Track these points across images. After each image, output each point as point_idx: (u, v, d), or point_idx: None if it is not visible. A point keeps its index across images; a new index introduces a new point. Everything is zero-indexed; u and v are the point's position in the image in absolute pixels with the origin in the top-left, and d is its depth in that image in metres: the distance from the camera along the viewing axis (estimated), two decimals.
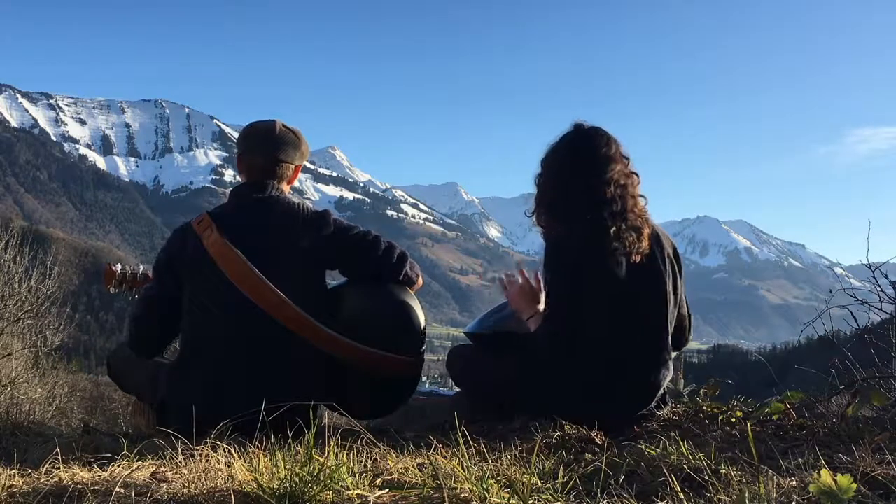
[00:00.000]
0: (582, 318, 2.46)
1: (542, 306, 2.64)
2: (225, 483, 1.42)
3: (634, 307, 2.50)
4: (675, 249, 2.68)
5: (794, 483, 1.38)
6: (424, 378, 3.17)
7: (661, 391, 2.57)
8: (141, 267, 3.19)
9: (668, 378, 2.58)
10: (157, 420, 2.49)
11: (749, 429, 1.81)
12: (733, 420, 2.37)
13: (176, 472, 1.53)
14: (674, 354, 2.70)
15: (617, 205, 2.49)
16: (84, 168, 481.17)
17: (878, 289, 2.62)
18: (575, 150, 2.59)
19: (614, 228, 2.45)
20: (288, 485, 1.35)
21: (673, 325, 2.60)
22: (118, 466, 1.59)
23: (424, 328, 2.65)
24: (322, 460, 1.43)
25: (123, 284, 3.12)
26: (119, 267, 3.14)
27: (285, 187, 2.64)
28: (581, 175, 2.54)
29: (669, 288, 2.56)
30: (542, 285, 2.69)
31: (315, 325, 2.43)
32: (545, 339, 2.49)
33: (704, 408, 2.56)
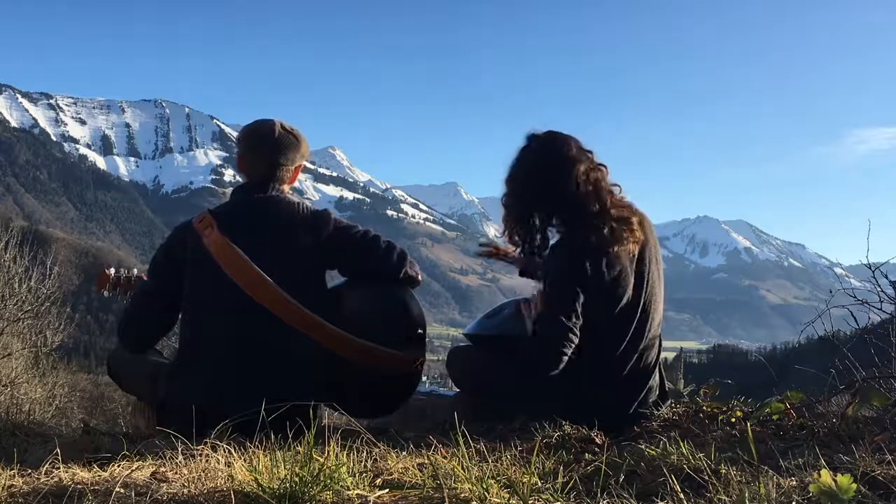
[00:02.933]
0: (585, 321, 2.46)
1: None
2: (225, 483, 1.42)
3: (634, 306, 2.50)
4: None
5: (794, 483, 1.38)
6: (424, 378, 3.17)
7: (657, 389, 2.57)
8: (135, 270, 3.19)
9: (664, 375, 2.58)
10: (157, 420, 2.49)
11: (749, 429, 1.81)
12: (733, 420, 2.37)
13: (176, 472, 1.53)
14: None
15: (593, 205, 2.46)
16: (84, 168, 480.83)
17: (878, 289, 2.62)
18: (534, 160, 2.55)
19: (596, 227, 2.43)
20: (288, 485, 1.35)
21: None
22: (118, 466, 1.59)
23: (425, 327, 2.65)
24: (322, 460, 1.43)
25: (118, 288, 3.12)
26: (113, 270, 3.14)
27: (285, 188, 2.64)
28: (547, 185, 2.50)
29: (662, 291, 2.56)
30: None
31: (318, 321, 2.43)
32: (548, 342, 2.42)
33: (704, 408, 2.56)
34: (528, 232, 2.57)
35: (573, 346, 2.40)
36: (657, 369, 2.58)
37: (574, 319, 2.39)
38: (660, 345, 2.60)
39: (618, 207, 2.50)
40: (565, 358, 2.39)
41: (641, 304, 2.50)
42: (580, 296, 2.41)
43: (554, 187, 2.50)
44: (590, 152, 2.56)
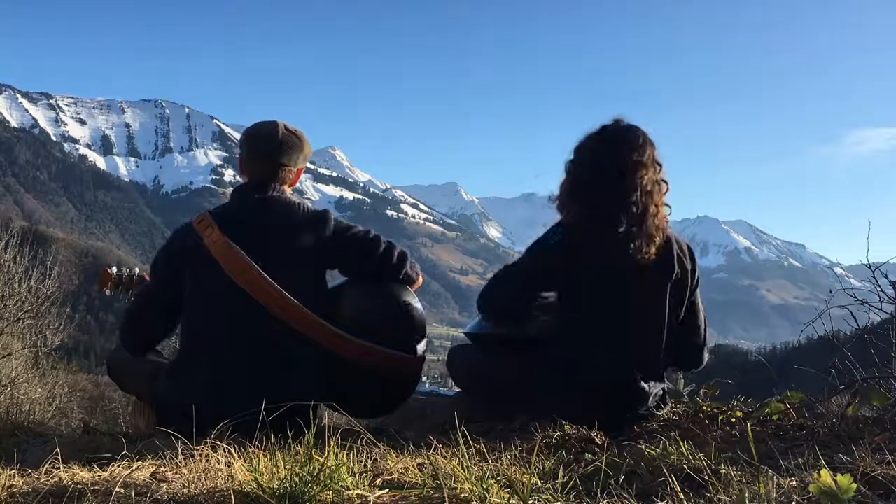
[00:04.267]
0: (575, 316, 2.47)
1: None
2: (225, 483, 1.42)
3: (632, 309, 2.50)
4: (691, 258, 2.63)
5: (794, 483, 1.38)
6: (424, 378, 3.17)
7: (661, 391, 2.57)
8: (137, 269, 3.19)
9: (661, 384, 2.58)
10: (157, 420, 2.49)
11: (749, 429, 1.81)
12: (733, 420, 2.37)
13: (176, 472, 1.53)
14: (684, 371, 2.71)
15: (637, 209, 2.46)
16: (84, 168, 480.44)
17: (878, 289, 2.62)
18: (608, 148, 2.54)
19: (624, 231, 2.43)
20: (288, 485, 1.35)
21: (672, 336, 2.58)
22: (118, 466, 1.58)
23: (425, 327, 2.65)
24: (322, 460, 1.43)
25: (120, 287, 3.12)
26: (115, 269, 3.15)
27: (287, 189, 2.64)
28: (607, 175, 2.50)
29: (673, 293, 2.55)
30: None
31: (318, 321, 2.43)
32: (492, 298, 2.63)
33: (704, 408, 2.56)
34: (574, 208, 2.56)
35: (516, 304, 2.59)
36: (658, 371, 2.58)
37: (523, 283, 2.55)
38: (664, 349, 2.58)
39: (655, 225, 2.47)
40: (504, 310, 2.63)
41: (643, 308, 2.50)
42: (547, 269, 2.51)
43: (613, 183, 2.48)
44: (659, 164, 2.55)
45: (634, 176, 2.48)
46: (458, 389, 3.01)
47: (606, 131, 2.57)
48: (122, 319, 2.75)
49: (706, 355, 2.75)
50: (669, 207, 2.57)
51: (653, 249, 2.46)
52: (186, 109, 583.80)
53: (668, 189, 2.56)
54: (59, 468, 1.57)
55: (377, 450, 1.75)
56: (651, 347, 2.54)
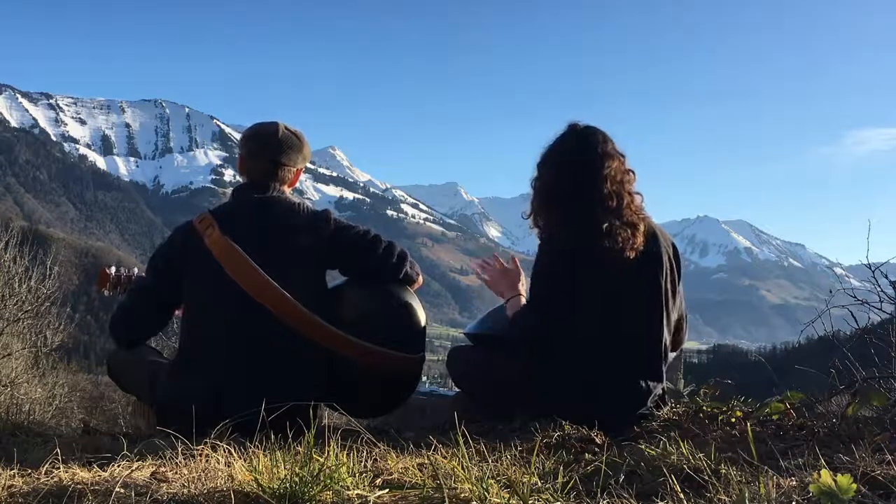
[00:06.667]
0: (573, 317, 2.47)
1: (522, 288, 2.67)
2: (225, 483, 1.42)
3: (629, 306, 2.50)
4: (674, 248, 2.67)
5: (794, 483, 1.38)
6: (424, 378, 3.17)
7: (660, 391, 2.57)
8: (136, 269, 3.19)
9: (664, 378, 2.58)
10: (157, 420, 2.49)
11: (749, 429, 1.81)
12: (733, 420, 2.36)
13: (176, 472, 1.53)
14: (672, 355, 2.70)
15: (612, 201, 2.50)
16: (84, 168, 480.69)
17: (878, 289, 2.62)
18: (571, 149, 2.59)
19: (607, 225, 2.45)
20: (288, 485, 1.35)
21: (672, 325, 2.60)
22: (118, 466, 1.58)
23: (425, 327, 2.66)
24: (322, 460, 1.43)
25: (119, 287, 3.13)
26: (113, 269, 3.15)
27: (286, 189, 2.65)
28: (577, 173, 2.54)
29: (667, 286, 2.55)
30: (519, 266, 2.75)
31: (318, 321, 2.43)
32: (519, 331, 2.54)
33: (704, 408, 2.56)
34: (549, 217, 2.58)
35: (560, 339, 2.47)
36: (658, 370, 2.58)
37: (556, 313, 2.46)
38: (664, 348, 2.58)
39: (633, 213, 2.52)
40: (534, 347, 2.50)
41: (638, 307, 2.51)
42: (559, 291, 2.47)
43: (584, 179, 2.52)
44: (622, 155, 2.59)
45: (603, 169, 2.52)
46: (458, 389, 3.01)
47: (565, 136, 2.62)
48: (114, 311, 2.74)
49: (685, 332, 2.78)
50: (641, 195, 2.61)
51: (639, 239, 2.49)
52: (186, 109, 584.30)
53: (635, 178, 2.61)
54: (59, 468, 1.57)
55: (377, 450, 1.75)
56: (651, 344, 2.53)
